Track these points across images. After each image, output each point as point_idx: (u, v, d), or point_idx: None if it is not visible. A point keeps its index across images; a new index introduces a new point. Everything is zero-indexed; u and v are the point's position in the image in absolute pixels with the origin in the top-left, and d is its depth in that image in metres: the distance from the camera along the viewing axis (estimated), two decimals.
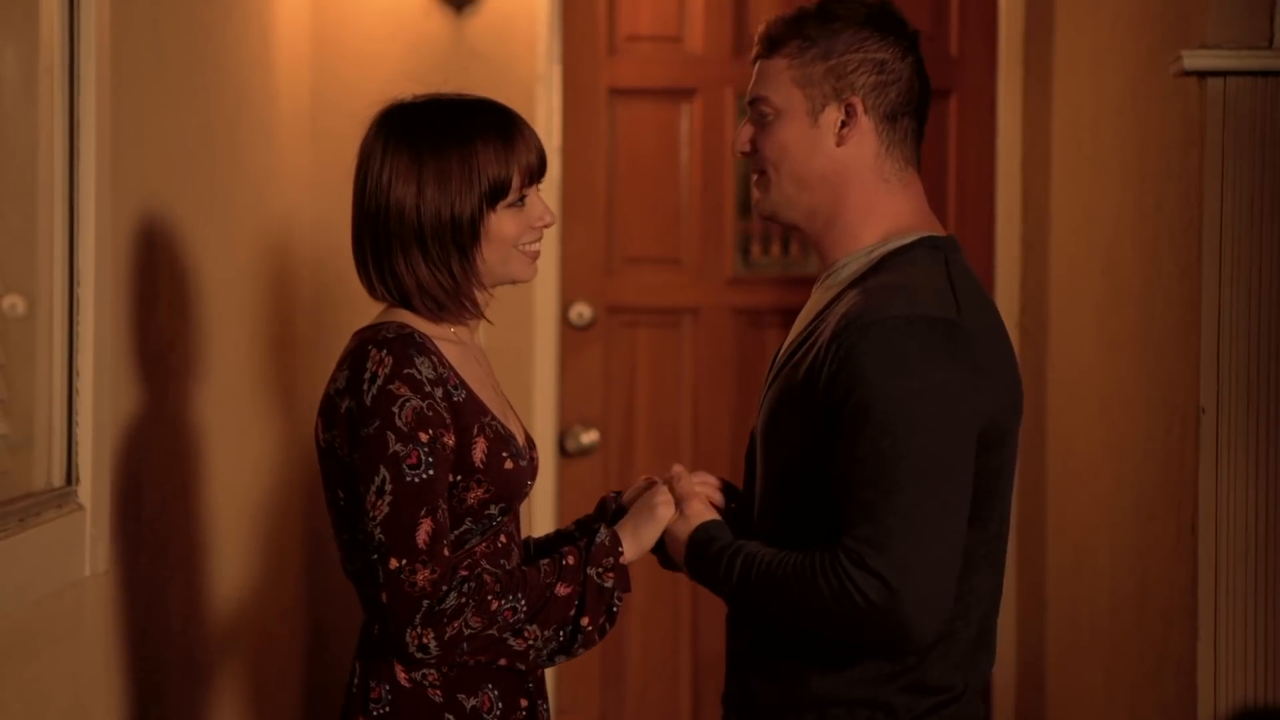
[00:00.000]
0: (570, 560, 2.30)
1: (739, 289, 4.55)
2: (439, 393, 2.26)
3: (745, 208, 4.55)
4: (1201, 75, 2.86)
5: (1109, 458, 3.61)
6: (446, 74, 4.29)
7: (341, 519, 2.33)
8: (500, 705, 2.34)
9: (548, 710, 2.43)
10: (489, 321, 2.41)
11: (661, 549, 2.42)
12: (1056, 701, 4.11)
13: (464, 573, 2.28)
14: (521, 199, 2.34)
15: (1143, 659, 3.30)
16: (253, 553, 3.72)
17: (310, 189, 4.24)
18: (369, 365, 2.25)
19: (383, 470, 2.23)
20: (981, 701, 2.32)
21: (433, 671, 2.31)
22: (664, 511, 2.36)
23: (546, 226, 2.38)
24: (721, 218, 4.54)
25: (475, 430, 2.30)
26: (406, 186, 2.31)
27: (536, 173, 2.36)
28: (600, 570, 2.30)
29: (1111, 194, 3.62)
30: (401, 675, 2.32)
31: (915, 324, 2.15)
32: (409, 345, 2.26)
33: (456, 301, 2.34)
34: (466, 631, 2.23)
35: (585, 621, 2.29)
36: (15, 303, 2.66)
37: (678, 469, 2.43)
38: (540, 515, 4.44)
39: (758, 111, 2.33)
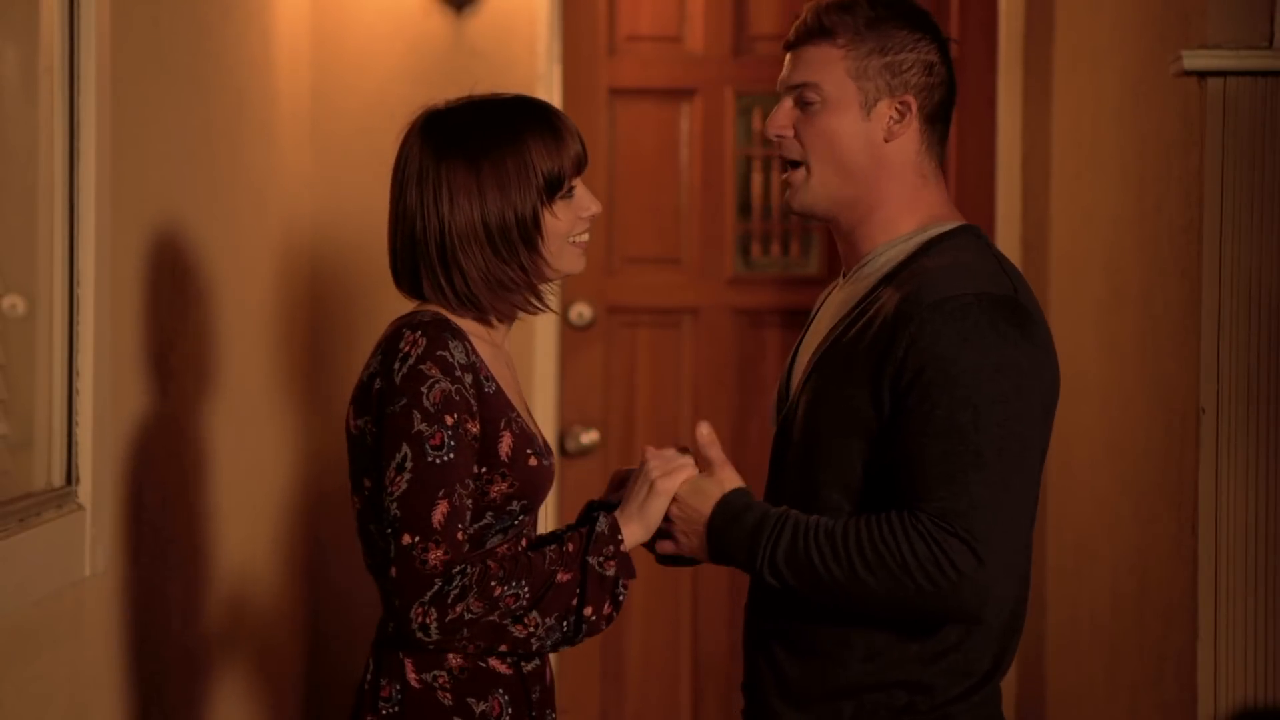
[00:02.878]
0: (570, 548, 2.28)
1: (739, 289, 4.55)
2: (469, 379, 2.26)
3: (745, 208, 4.56)
4: (1201, 75, 2.86)
5: (1109, 458, 3.61)
6: (446, 74, 4.32)
7: (367, 509, 2.32)
8: (510, 711, 2.32)
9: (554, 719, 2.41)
10: (554, 311, 2.43)
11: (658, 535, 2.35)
12: (1056, 701, 4.11)
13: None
14: (570, 190, 2.35)
15: (1143, 659, 3.30)
16: (253, 553, 3.72)
17: (310, 189, 4.24)
18: (402, 346, 2.25)
19: (405, 448, 2.22)
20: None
21: (443, 674, 2.30)
22: (663, 484, 2.30)
23: (593, 216, 2.38)
24: (721, 218, 4.54)
25: (502, 424, 2.30)
26: (469, 197, 2.31)
27: (582, 162, 2.37)
28: (601, 560, 2.27)
29: (1111, 194, 3.62)
30: (412, 675, 2.30)
31: (985, 301, 2.17)
32: (444, 329, 2.27)
33: (525, 294, 2.35)
34: (468, 616, 2.22)
35: (589, 611, 2.26)
36: (15, 303, 2.66)
37: (704, 432, 2.33)
38: (540, 515, 4.44)
39: (803, 98, 2.31)
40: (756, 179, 4.54)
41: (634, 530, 2.31)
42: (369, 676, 2.34)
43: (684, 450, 2.36)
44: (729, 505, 2.27)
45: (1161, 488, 3.16)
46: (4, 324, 2.64)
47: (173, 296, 3.14)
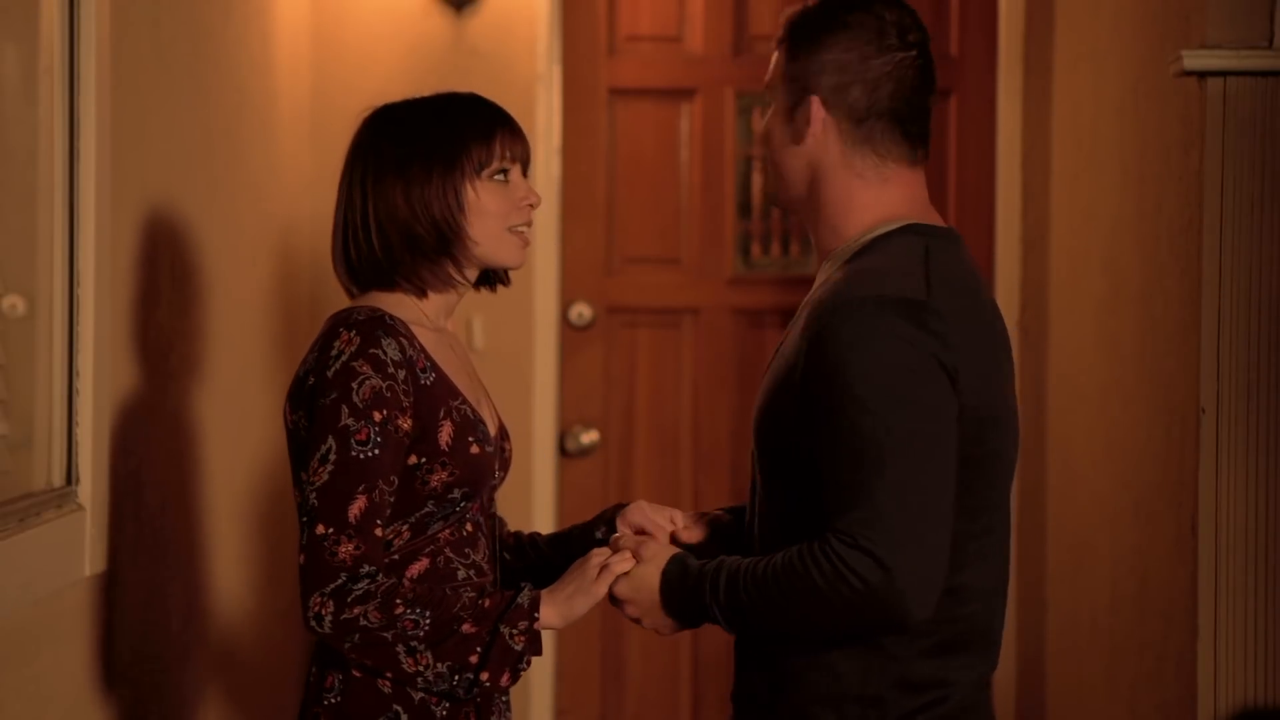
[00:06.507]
0: (487, 604, 2.28)
1: (739, 289, 4.55)
2: (402, 375, 2.29)
3: (745, 208, 4.56)
4: (1201, 75, 2.86)
5: (1109, 458, 3.61)
6: (446, 74, 4.32)
7: None
8: (447, 703, 2.33)
9: (506, 704, 2.41)
10: (470, 286, 2.42)
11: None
12: (1056, 701, 4.11)
13: (389, 574, 2.29)
14: (504, 174, 2.38)
15: (1143, 659, 3.30)
16: (252, 553, 3.72)
17: (310, 189, 4.24)
18: (336, 344, 2.29)
19: (330, 440, 2.25)
20: (986, 703, 2.31)
21: None
22: (596, 588, 2.31)
23: (533, 206, 2.42)
24: (721, 218, 4.54)
25: (442, 414, 2.32)
26: (395, 167, 2.36)
27: (519, 153, 2.40)
28: (512, 631, 2.27)
29: (1111, 194, 3.62)
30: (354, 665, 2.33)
31: (880, 303, 2.15)
32: (378, 326, 2.29)
33: (445, 261, 2.37)
34: (363, 622, 2.23)
35: (485, 676, 2.26)
36: (15, 303, 2.66)
37: (627, 526, 2.44)
38: (540, 515, 4.44)
39: (765, 100, 2.38)
40: (756, 179, 4.54)
41: (550, 615, 2.31)
42: (313, 671, 2.37)
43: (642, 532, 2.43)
44: (667, 578, 2.27)
45: (1161, 488, 3.16)
46: (4, 324, 2.64)
47: (172, 296, 3.15)
